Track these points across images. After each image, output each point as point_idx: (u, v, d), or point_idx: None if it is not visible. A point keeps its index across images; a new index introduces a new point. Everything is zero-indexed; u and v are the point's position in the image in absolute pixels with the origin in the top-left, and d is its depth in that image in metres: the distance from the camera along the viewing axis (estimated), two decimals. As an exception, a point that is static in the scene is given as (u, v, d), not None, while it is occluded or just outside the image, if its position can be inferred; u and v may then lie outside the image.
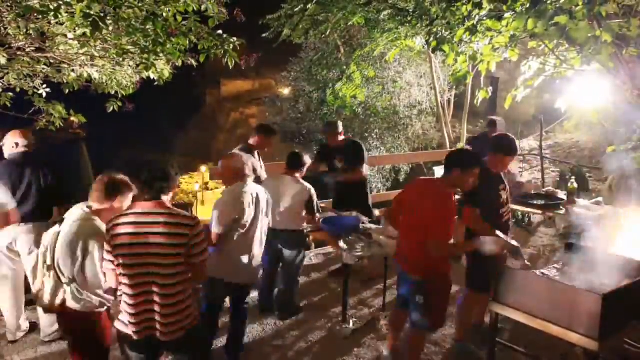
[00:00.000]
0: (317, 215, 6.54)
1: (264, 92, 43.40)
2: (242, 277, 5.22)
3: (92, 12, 4.99)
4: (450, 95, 18.99)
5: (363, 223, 6.71)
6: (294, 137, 21.35)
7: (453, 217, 4.81)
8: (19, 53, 6.04)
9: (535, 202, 7.80)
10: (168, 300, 3.74)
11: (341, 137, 7.84)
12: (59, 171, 5.91)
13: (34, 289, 4.30)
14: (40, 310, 4.88)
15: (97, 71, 6.65)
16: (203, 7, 6.10)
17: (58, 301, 4.15)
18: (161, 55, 6.21)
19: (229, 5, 6.39)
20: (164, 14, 5.98)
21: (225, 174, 5.30)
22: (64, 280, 4.07)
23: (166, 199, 3.87)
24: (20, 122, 6.61)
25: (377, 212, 7.69)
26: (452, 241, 4.91)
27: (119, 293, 3.88)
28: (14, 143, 5.73)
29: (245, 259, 5.12)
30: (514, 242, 5.08)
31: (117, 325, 3.89)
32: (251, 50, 6.69)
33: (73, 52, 6.32)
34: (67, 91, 6.80)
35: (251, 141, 7.19)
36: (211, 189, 39.95)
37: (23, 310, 5.96)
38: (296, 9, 15.03)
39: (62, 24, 5.75)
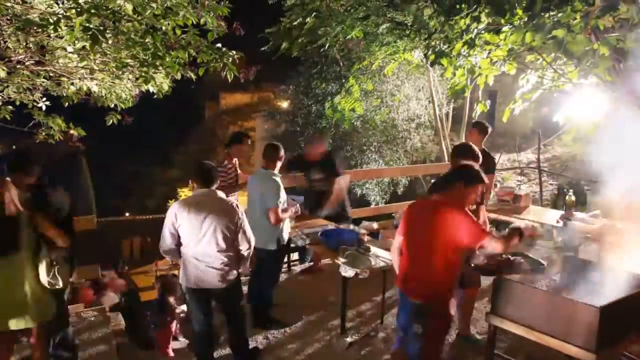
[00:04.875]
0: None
1: (263, 105, 43.49)
2: None
3: (91, 26, 5.00)
4: (449, 109, 19.01)
5: (362, 237, 6.71)
6: (292, 150, 21.37)
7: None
8: (18, 66, 6.06)
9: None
10: None
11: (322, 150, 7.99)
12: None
13: None
14: None
15: (96, 84, 6.67)
16: (202, 21, 6.13)
17: None
18: (160, 68, 6.24)
19: (228, 19, 6.41)
20: (163, 28, 6.00)
21: None
22: None
23: None
24: (20, 135, 6.64)
25: (375, 225, 7.69)
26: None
27: None
28: None
29: None
30: None
31: None
32: (250, 64, 6.71)
33: (72, 66, 6.35)
34: (66, 104, 6.82)
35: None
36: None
37: None
38: (295, 23, 15.07)
39: (61, 38, 5.77)
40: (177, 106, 41.86)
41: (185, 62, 6.31)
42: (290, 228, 6.84)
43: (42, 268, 4.57)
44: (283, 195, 6.35)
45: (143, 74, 6.16)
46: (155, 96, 6.94)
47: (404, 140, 19.26)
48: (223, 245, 5.11)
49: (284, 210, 6.34)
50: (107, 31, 5.40)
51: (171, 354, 5.95)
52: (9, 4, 5.25)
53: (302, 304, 7.24)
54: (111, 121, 7.10)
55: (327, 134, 18.88)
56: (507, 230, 4.69)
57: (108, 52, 6.10)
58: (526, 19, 5.87)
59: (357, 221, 8.30)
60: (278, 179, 6.30)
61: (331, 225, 7.35)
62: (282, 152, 6.45)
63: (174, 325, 6.25)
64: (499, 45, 6.48)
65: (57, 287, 4.67)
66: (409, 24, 12.16)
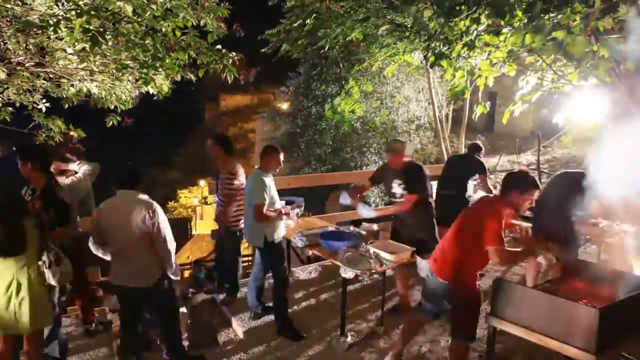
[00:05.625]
0: None
1: (263, 107, 43.55)
2: None
3: (91, 27, 5.01)
4: (448, 110, 19.03)
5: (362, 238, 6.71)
6: (292, 152, 21.39)
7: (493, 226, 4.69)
8: (18, 68, 6.05)
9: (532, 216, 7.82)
10: None
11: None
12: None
13: None
14: None
15: (96, 86, 6.67)
16: (202, 22, 6.13)
17: None
18: (160, 70, 6.24)
19: (228, 20, 6.41)
20: (163, 29, 6.01)
21: None
22: None
23: None
24: (20, 136, 6.63)
25: (375, 227, 7.70)
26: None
27: None
28: None
29: None
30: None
31: None
32: (250, 65, 6.71)
33: (72, 67, 6.35)
34: (66, 106, 6.82)
35: None
36: (210, 204, 39.88)
37: None
38: (295, 24, 15.09)
39: (61, 39, 5.77)
40: (177, 107, 41.88)
41: (185, 64, 6.31)
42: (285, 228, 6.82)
43: (47, 270, 4.59)
44: (270, 195, 6.31)
45: (143, 76, 6.16)
46: (155, 97, 6.94)
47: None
48: None
49: (275, 211, 6.33)
50: (107, 33, 5.40)
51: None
52: (8, 6, 5.25)
53: (301, 306, 7.24)
54: (111, 122, 7.10)
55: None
56: None
57: (108, 54, 6.09)
58: (526, 20, 5.86)
59: (357, 223, 8.31)
60: (266, 178, 6.27)
61: (331, 227, 7.34)
62: (276, 157, 6.40)
63: None
64: (499, 46, 6.47)
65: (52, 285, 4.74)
66: (409, 26, 12.18)
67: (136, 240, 5.02)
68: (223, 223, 7.02)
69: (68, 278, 4.94)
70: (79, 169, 6.44)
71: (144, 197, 5.13)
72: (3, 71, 5.73)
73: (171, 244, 5.17)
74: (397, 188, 6.78)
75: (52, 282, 4.65)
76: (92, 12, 5.05)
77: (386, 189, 7.05)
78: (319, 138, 20.00)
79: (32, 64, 6.20)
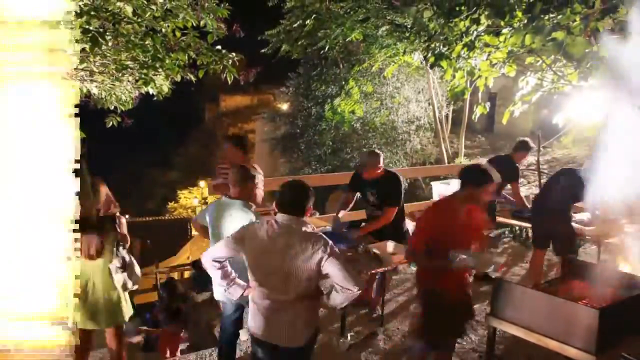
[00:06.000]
0: None
1: (263, 107, 43.47)
2: None
3: (91, 28, 5.01)
4: (448, 111, 19.00)
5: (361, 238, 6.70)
6: (292, 152, 21.37)
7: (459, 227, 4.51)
8: (18, 68, 6.05)
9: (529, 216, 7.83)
10: None
11: None
12: None
13: None
14: None
15: (96, 86, 6.66)
16: (202, 23, 6.13)
17: None
18: (160, 70, 6.23)
19: (227, 21, 6.42)
20: (163, 30, 6.01)
21: None
22: None
23: None
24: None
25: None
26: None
27: None
28: None
29: None
30: None
31: None
32: (250, 66, 6.72)
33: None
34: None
35: None
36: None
37: None
38: (295, 25, 15.09)
39: (61, 39, 5.76)
40: (177, 108, 41.93)
41: (185, 64, 6.32)
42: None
43: (118, 271, 4.82)
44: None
45: (143, 76, 6.16)
46: (155, 98, 6.94)
47: (403, 142, 19.24)
48: None
49: None
50: (107, 33, 5.40)
51: (179, 355, 5.95)
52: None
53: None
54: (111, 123, 7.10)
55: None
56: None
57: (108, 54, 6.09)
58: (526, 21, 5.87)
59: (357, 223, 8.29)
60: None
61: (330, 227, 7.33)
62: None
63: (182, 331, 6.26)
64: (499, 47, 6.47)
65: (128, 288, 4.93)
66: (409, 26, 12.17)
67: None
68: None
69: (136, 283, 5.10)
70: None
71: None
72: (3, 71, 5.73)
73: None
74: (371, 197, 6.76)
75: (119, 288, 4.81)
76: (92, 13, 5.05)
77: (363, 198, 6.97)
78: (319, 139, 19.98)
79: (32, 64, 6.19)
